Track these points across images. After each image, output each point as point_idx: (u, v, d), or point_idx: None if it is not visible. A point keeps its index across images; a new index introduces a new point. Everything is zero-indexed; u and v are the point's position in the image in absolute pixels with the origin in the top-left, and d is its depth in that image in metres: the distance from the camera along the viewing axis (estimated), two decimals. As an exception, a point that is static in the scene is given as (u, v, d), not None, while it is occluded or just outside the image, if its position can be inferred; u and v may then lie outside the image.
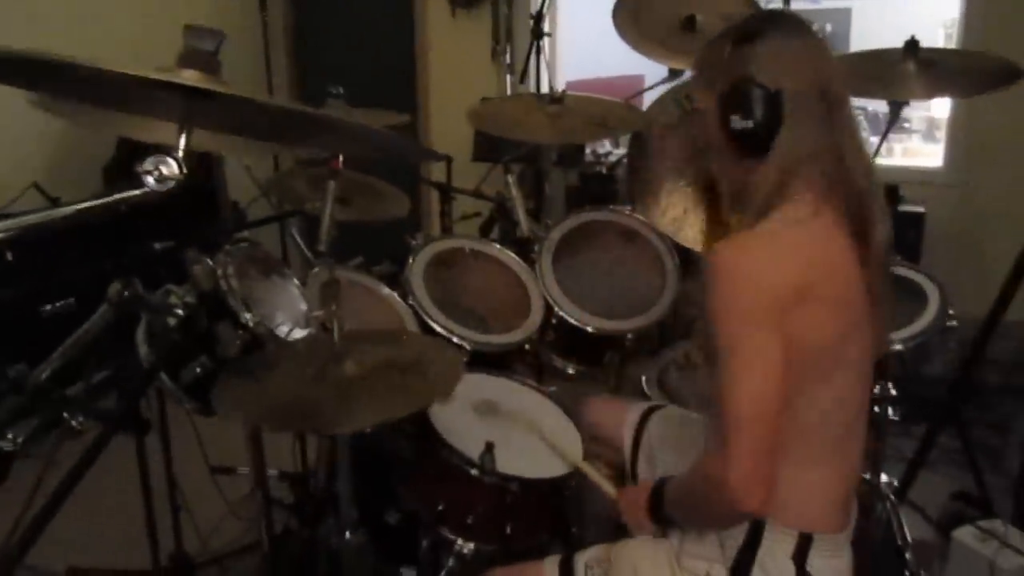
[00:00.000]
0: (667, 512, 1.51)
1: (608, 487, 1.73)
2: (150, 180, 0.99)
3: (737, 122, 1.35)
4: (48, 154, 4.02)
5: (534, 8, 3.51)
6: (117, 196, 0.98)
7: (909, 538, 2.30)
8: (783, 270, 1.30)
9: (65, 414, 1.57)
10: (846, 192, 1.37)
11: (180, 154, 1.00)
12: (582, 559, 1.59)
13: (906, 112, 4.90)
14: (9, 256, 3.31)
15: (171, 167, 1.00)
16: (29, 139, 3.90)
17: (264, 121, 1.20)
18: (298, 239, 2.44)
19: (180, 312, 1.50)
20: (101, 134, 3.86)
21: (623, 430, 1.90)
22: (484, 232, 3.11)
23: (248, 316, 1.60)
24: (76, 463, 1.20)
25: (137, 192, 0.97)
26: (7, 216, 1.16)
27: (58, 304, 3.37)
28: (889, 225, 1.43)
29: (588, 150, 4.70)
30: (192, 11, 4.27)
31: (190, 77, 0.95)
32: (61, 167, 4.04)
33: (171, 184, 0.99)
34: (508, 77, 4.63)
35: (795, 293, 1.29)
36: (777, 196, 1.34)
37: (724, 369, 1.30)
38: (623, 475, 1.87)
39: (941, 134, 4.53)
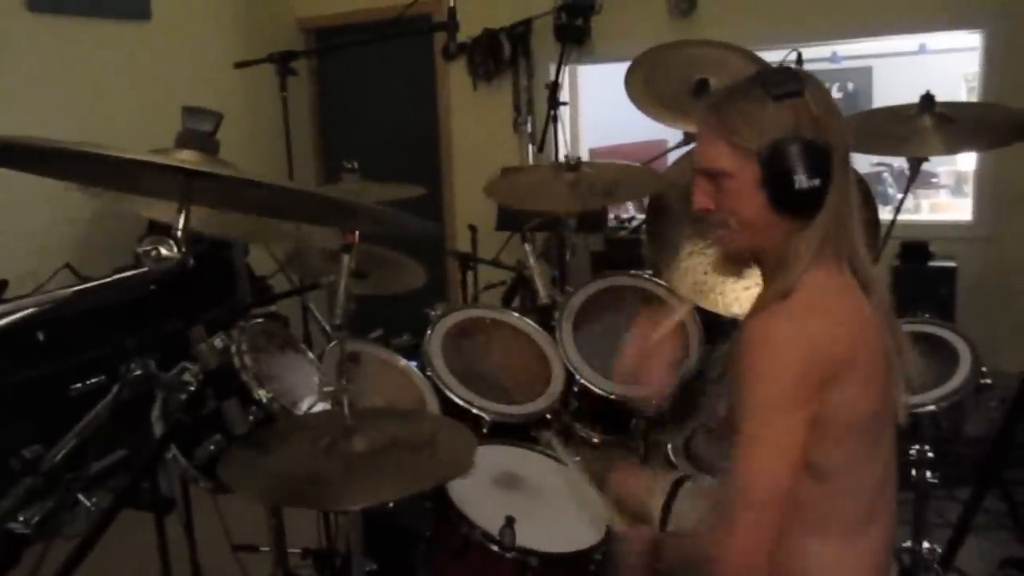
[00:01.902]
0: (664, 566, 1.48)
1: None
2: (149, 261, 0.99)
3: (802, 182, 1.26)
4: (80, 236, 4.12)
5: (551, 78, 3.56)
6: (116, 277, 0.99)
7: (956, 608, 2.20)
8: (825, 346, 1.25)
9: (80, 495, 1.56)
10: (850, 251, 1.34)
11: (179, 234, 1.01)
12: None
13: (933, 167, 4.92)
14: (40, 336, 3.37)
15: (170, 248, 1.00)
16: (61, 221, 4.01)
17: (268, 199, 1.21)
18: (316, 313, 2.46)
19: (191, 390, 1.49)
20: (122, 217, 3.97)
21: (650, 507, 1.84)
22: (506, 301, 3.10)
23: (261, 392, 1.60)
24: (83, 537, 1.18)
25: (135, 272, 0.97)
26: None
27: (88, 383, 3.41)
28: (885, 286, 1.39)
29: (611, 215, 4.71)
30: (219, 91, 4.41)
31: (186, 158, 0.96)
32: (93, 248, 4.14)
33: (170, 265, 1.00)
34: (529, 147, 4.69)
35: (836, 369, 1.25)
36: (817, 258, 1.30)
37: (747, 444, 1.26)
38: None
39: (969, 187, 4.48)
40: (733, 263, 1.48)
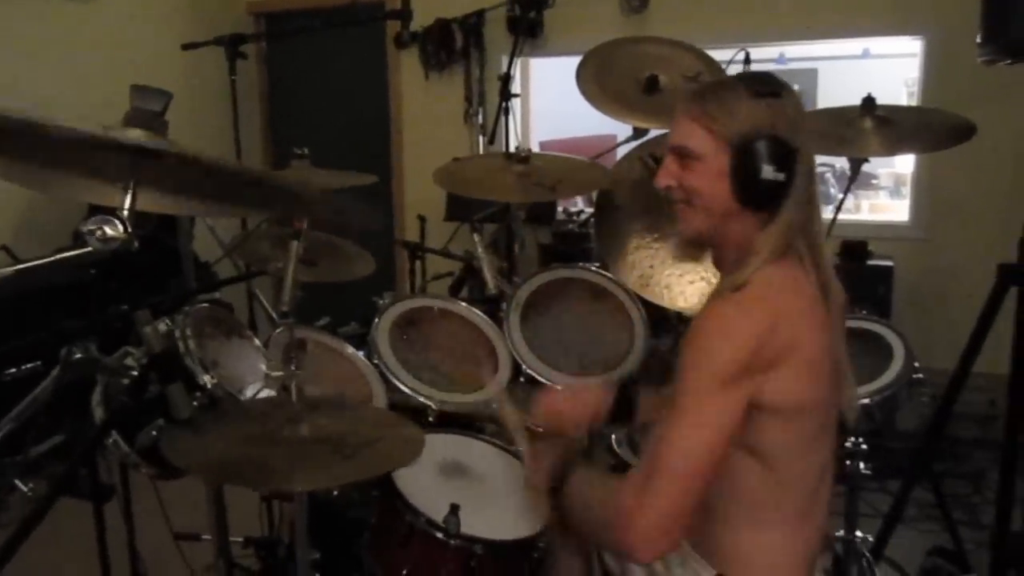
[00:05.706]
0: (565, 499, 1.50)
1: (523, 440, 1.76)
2: (94, 240, 0.98)
3: (767, 173, 1.32)
4: (18, 217, 4.01)
5: (503, 70, 3.57)
6: (60, 256, 0.97)
7: (886, 596, 2.28)
8: (765, 335, 1.29)
9: (16, 480, 1.53)
10: (812, 252, 1.38)
11: (125, 214, 0.99)
12: None
13: (873, 168, 5.04)
14: (-27, 319, 3.27)
15: (116, 227, 0.99)
16: (-2, 203, 3.90)
17: (215, 182, 1.20)
18: (262, 300, 2.43)
19: (134, 374, 1.47)
20: (62, 200, 3.86)
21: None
22: (454, 291, 3.10)
23: (206, 377, 1.59)
24: (18, 526, 1.16)
25: (79, 252, 0.95)
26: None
27: (23, 367, 3.32)
28: (840, 286, 1.44)
29: (560, 208, 4.74)
30: (165, 74, 4.32)
31: (134, 136, 0.95)
32: (31, 230, 4.03)
33: (115, 245, 0.98)
34: (480, 138, 4.69)
35: (774, 358, 1.29)
36: (775, 254, 1.35)
37: (677, 420, 1.29)
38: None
39: (907, 190, 4.61)
40: (691, 247, 1.52)
